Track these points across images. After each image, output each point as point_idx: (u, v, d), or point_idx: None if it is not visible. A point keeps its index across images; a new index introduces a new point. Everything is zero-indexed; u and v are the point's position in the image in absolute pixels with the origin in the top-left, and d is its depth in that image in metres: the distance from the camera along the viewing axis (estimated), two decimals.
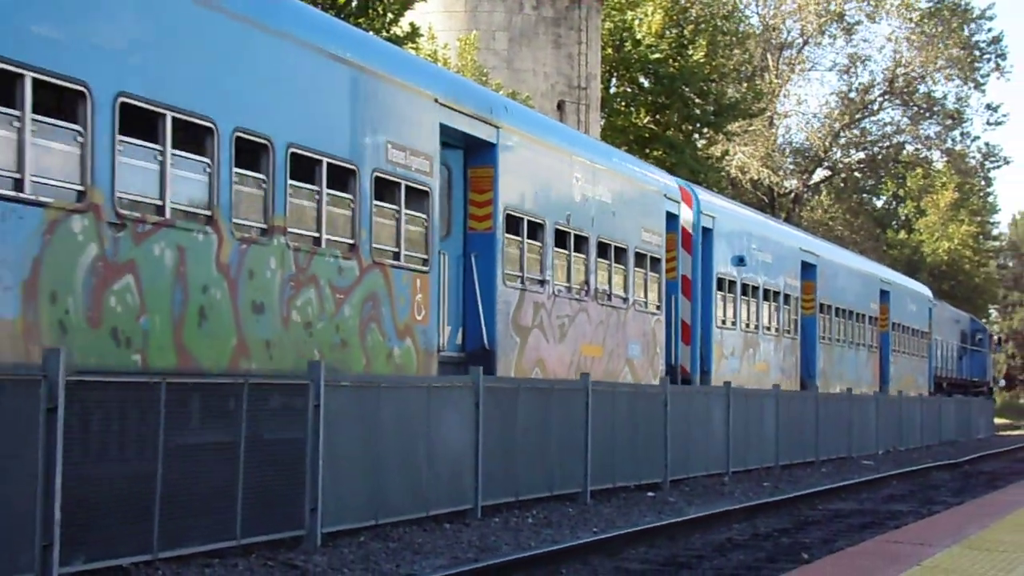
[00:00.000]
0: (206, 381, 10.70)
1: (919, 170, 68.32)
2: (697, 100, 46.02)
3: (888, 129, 67.87)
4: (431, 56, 31.77)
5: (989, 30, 66.56)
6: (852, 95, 65.98)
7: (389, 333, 13.90)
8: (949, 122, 67.15)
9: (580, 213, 18.81)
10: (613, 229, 19.93)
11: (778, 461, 23.57)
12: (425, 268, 14.66)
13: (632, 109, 45.78)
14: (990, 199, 75.60)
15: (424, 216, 14.63)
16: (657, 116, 45.63)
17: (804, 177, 66.57)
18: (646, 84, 46.07)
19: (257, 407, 10.79)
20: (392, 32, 25.38)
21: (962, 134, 68.26)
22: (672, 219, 23.01)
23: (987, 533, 12.45)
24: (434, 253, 14.88)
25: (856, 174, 70.05)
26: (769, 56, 62.53)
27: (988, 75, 65.77)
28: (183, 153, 10.95)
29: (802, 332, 30.21)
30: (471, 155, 16.28)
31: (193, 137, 11.12)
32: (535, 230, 17.45)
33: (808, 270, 30.62)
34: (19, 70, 9.33)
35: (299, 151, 12.39)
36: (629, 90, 46.41)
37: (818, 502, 18.29)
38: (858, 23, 63.93)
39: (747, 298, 26.80)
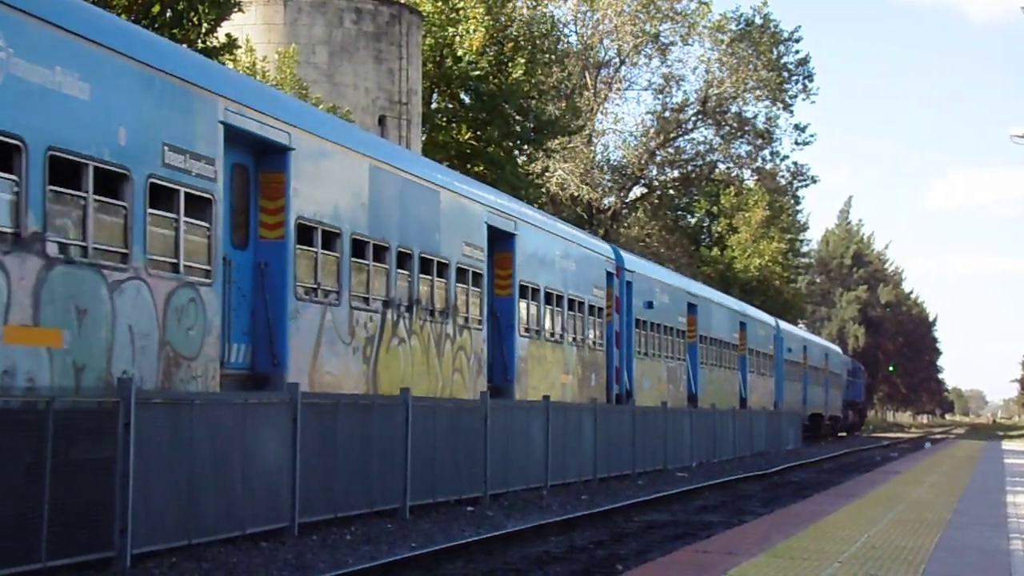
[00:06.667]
0: (10, 398, 10.35)
1: (731, 188, 70.11)
2: (517, 117, 46.45)
3: (701, 148, 69.59)
4: (248, 70, 31.30)
5: (797, 51, 68.66)
6: (667, 114, 67.46)
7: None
8: (759, 142, 69.14)
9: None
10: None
11: (596, 474, 23.92)
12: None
13: (453, 125, 45.97)
14: (799, 217, 77.97)
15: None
16: (478, 132, 45.89)
17: (622, 194, 67.72)
18: (467, 100, 46.31)
19: (65, 426, 10.49)
20: (208, 43, 24.86)
21: (772, 153, 70.33)
22: None
23: (792, 541, 12.85)
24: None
25: (671, 192, 71.57)
26: (587, 75, 63.51)
27: (796, 96, 68.01)
28: None
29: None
30: None
31: None
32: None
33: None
34: None
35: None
36: (450, 106, 46.60)
37: (633, 514, 18.62)
38: (672, 44, 65.50)
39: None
